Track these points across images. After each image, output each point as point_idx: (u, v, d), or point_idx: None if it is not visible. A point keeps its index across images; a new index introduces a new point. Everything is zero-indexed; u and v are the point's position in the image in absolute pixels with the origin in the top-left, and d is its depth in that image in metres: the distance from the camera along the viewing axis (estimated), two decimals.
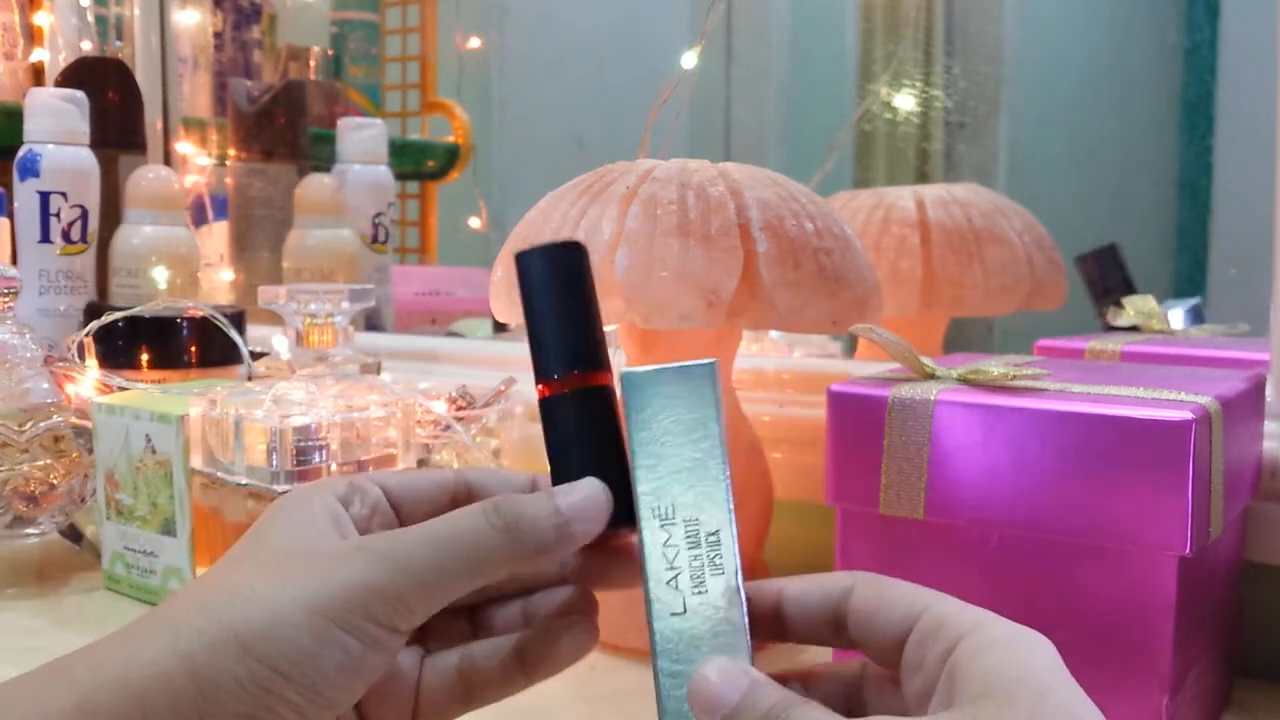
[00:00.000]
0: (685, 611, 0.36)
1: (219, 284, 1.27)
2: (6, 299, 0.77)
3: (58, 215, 1.01)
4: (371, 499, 0.40)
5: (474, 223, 1.53)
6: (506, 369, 0.85)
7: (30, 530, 0.75)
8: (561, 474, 0.38)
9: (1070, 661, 0.32)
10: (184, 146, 1.28)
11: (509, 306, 0.63)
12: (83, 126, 1.03)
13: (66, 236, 1.02)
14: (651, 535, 0.36)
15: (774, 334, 0.98)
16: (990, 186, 0.89)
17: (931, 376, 0.54)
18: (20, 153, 1.02)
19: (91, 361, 0.83)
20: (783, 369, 0.79)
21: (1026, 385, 0.51)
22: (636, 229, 0.57)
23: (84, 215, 1.03)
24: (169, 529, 0.70)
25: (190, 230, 1.14)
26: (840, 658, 0.38)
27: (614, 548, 0.40)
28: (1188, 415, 0.46)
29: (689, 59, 0.73)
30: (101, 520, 0.74)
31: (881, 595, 0.36)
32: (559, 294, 0.38)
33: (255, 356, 0.89)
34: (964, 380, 0.53)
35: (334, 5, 1.58)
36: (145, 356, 0.90)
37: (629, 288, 0.56)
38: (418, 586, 0.35)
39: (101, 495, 0.74)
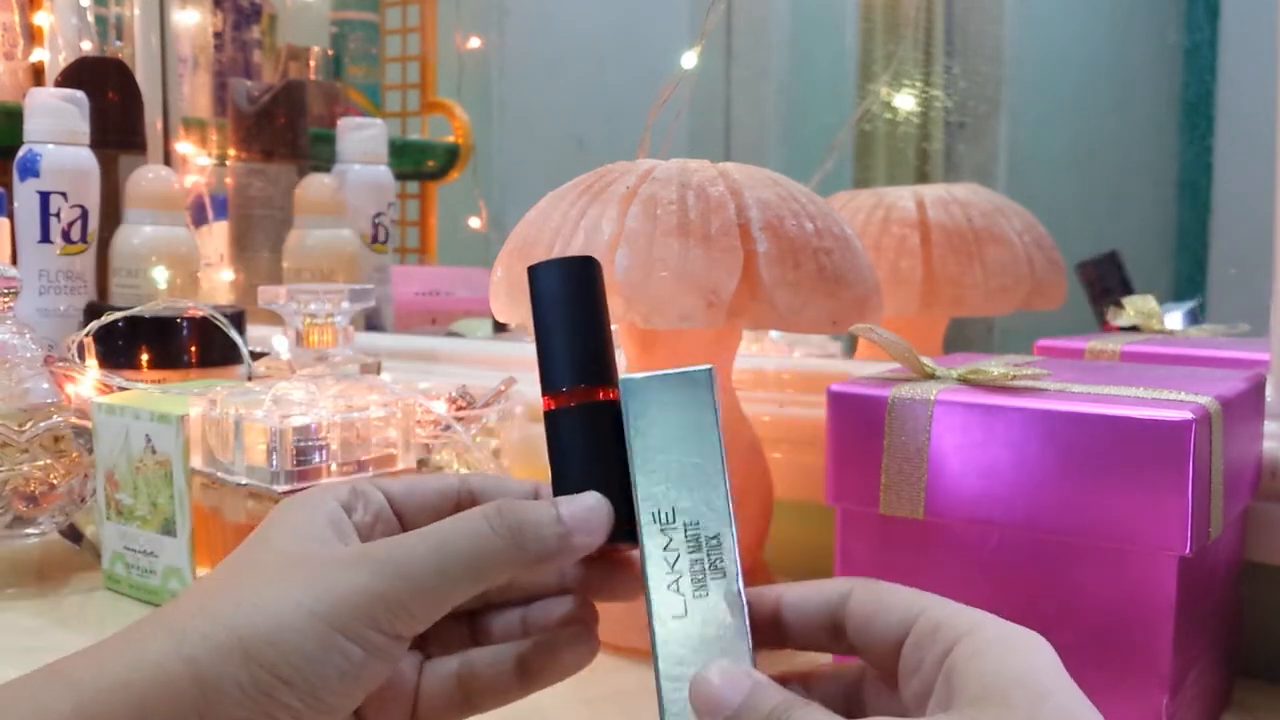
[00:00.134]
0: (686, 614, 0.36)
1: (219, 284, 1.27)
2: (6, 299, 0.77)
3: (58, 215, 1.01)
4: (375, 505, 0.40)
5: (474, 223, 1.53)
6: (506, 369, 0.85)
7: (30, 530, 0.75)
8: (564, 486, 0.38)
9: (1070, 662, 0.32)
10: (184, 146, 1.28)
11: (509, 306, 0.63)
12: (83, 126, 1.03)
13: (66, 236, 1.02)
14: (652, 540, 0.36)
15: (774, 334, 0.98)
16: (990, 186, 0.89)
17: (931, 376, 0.54)
18: (20, 153, 1.02)
19: (91, 361, 0.83)
20: (783, 369, 0.79)
21: (1026, 385, 0.51)
22: (636, 229, 0.57)
23: (84, 215, 1.03)
24: (169, 529, 0.70)
25: (190, 230, 1.14)
26: (840, 661, 0.38)
27: (615, 560, 0.40)
28: (1188, 415, 0.46)
29: (689, 59, 0.73)
30: (101, 520, 0.74)
31: (879, 599, 0.36)
32: (570, 308, 0.38)
33: (255, 356, 0.89)
34: (964, 380, 0.53)
35: (334, 5, 1.58)
36: (145, 356, 0.90)
37: (629, 288, 0.56)
38: (421, 592, 0.35)
39: (101, 495, 0.74)
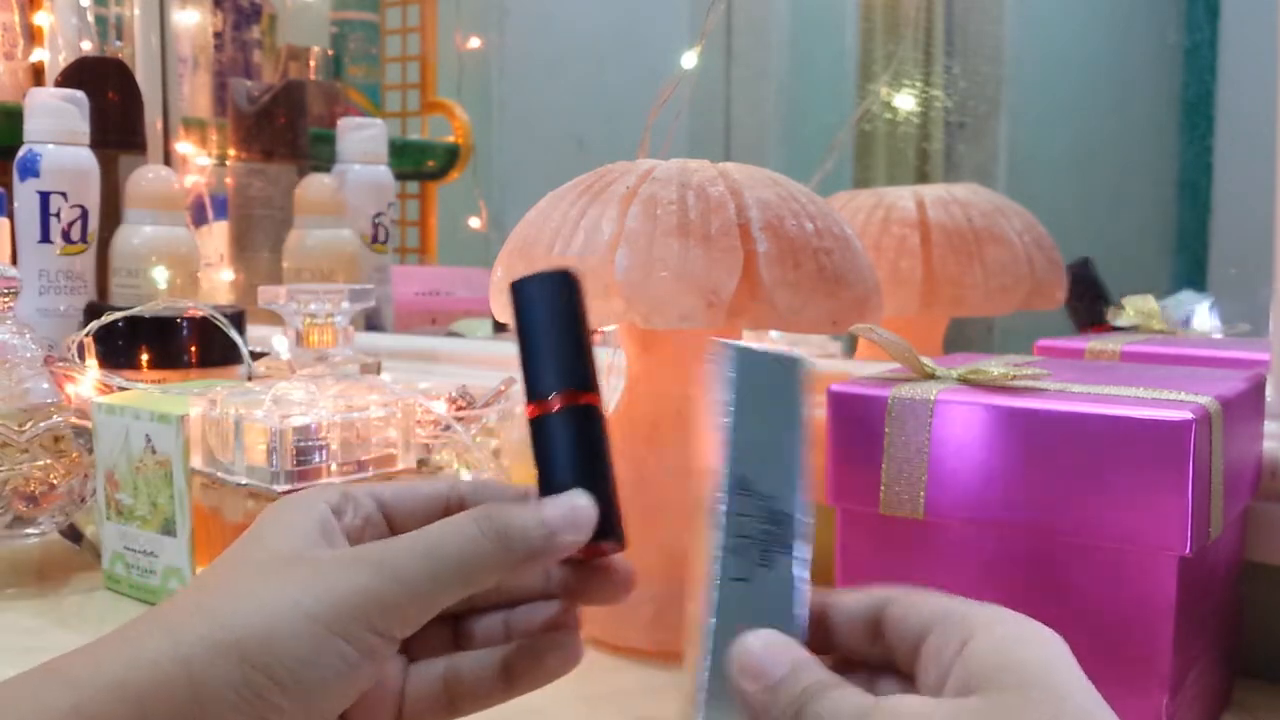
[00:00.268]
0: (750, 580, 0.37)
1: (219, 284, 1.27)
2: (6, 299, 0.77)
3: (58, 215, 1.01)
4: (364, 510, 0.40)
5: (474, 223, 1.53)
6: (506, 369, 0.85)
7: (30, 530, 0.75)
8: (549, 490, 0.39)
9: None
10: (184, 146, 1.28)
11: (509, 307, 0.63)
12: (83, 126, 1.03)
13: (66, 236, 1.02)
14: (730, 500, 0.37)
15: (774, 334, 0.98)
16: (990, 186, 0.89)
17: (931, 376, 0.54)
18: (20, 153, 1.02)
19: (91, 361, 0.83)
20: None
21: (1026, 385, 0.51)
22: (636, 229, 0.57)
23: (84, 215, 1.03)
24: (169, 529, 0.70)
25: (190, 230, 1.14)
26: None
27: (598, 565, 0.41)
28: (1188, 415, 0.46)
29: (689, 59, 0.73)
30: (101, 520, 0.74)
31: (914, 601, 0.37)
32: (551, 319, 0.40)
33: (255, 356, 0.89)
34: (964, 380, 0.53)
35: (334, 5, 1.58)
36: (145, 356, 0.90)
37: (629, 288, 0.56)
38: (413, 594, 0.36)
39: (101, 495, 0.74)
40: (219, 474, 0.71)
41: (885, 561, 0.53)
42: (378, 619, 0.35)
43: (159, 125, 1.26)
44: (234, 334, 0.86)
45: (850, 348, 0.98)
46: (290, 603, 0.34)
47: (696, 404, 0.63)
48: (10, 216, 1.02)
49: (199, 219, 1.25)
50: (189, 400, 0.71)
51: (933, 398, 0.51)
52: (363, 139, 1.27)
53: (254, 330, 0.94)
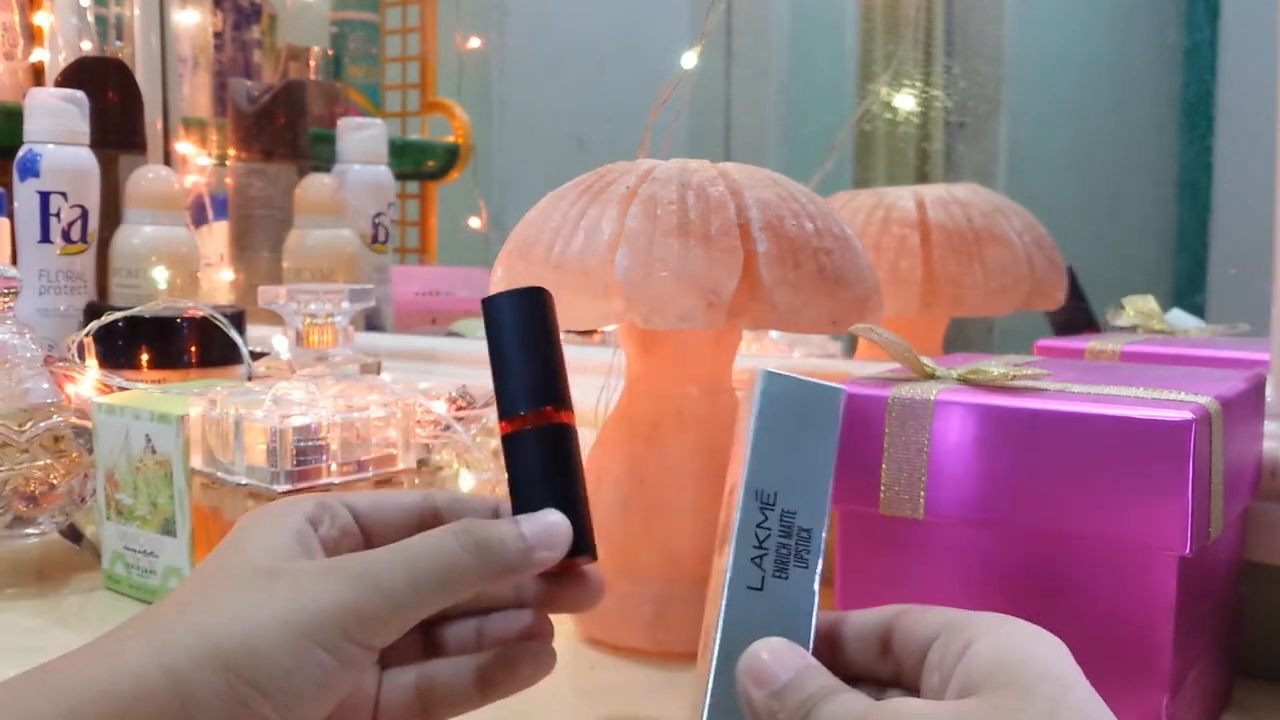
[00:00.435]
0: (762, 589, 0.38)
1: (219, 284, 1.27)
2: (6, 299, 0.77)
3: (58, 215, 1.01)
4: (341, 521, 0.41)
5: (474, 223, 1.53)
6: None
7: (30, 530, 0.75)
8: (523, 505, 0.40)
9: None
10: (184, 146, 1.28)
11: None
12: (83, 126, 1.03)
13: (66, 236, 1.02)
14: (749, 512, 0.38)
15: (774, 334, 0.98)
16: (990, 186, 0.89)
17: (931, 376, 0.54)
18: (20, 153, 1.02)
19: (91, 361, 0.83)
20: (787, 369, 0.79)
21: (1026, 385, 0.51)
22: (636, 229, 0.57)
23: (84, 215, 1.03)
24: (169, 529, 0.70)
25: (190, 230, 1.14)
26: None
27: (570, 575, 0.41)
28: (1188, 415, 0.46)
29: (689, 59, 0.73)
30: (101, 520, 0.74)
31: (921, 614, 0.37)
32: (523, 337, 0.41)
33: (255, 356, 0.89)
34: (964, 380, 0.53)
35: (334, 5, 1.58)
36: (145, 356, 0.90)
37: (629, 288, 0.56)
38: (394, 605, 0.36)
39: (101, 495, 0.74)
40: (219, 474, 0.71)
41: (885, 561, 0.53)
42: (357, 630, 0.36)
43: (159, 125, 1.26)
44: (234, 334, 0.86)
45: (850, 348, 0.99)
46: (272, 614, 0.35)
47: (697, 404, 0.63)
48: (10, 216, 1.02)
49: (199, 219, 1.25)
50: (189, 400, 0.71)
51: (933, 398, 0.51)
52: (363, 139, 1.27)
53: (254, 330, 0.94)
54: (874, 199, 0.86)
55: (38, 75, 1.22)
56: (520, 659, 0.41)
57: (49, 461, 0.74)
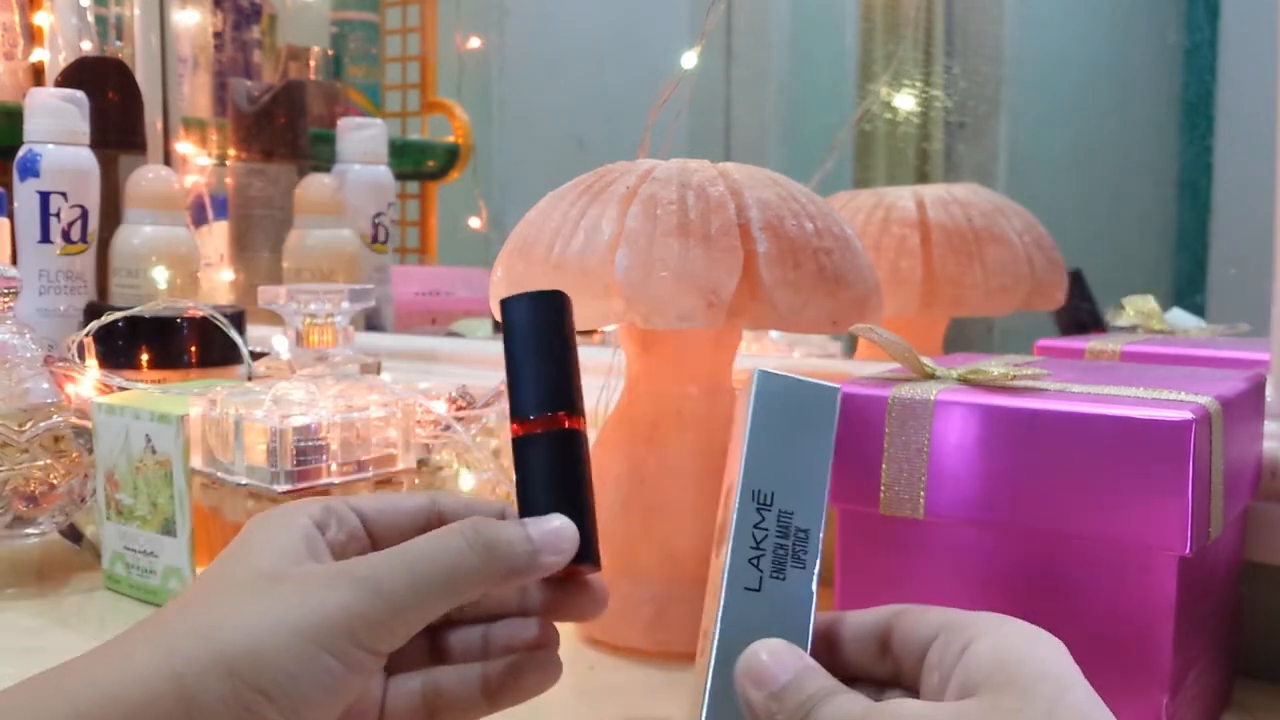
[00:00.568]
0: (760, 590, 0.38)
1: (219, 284, 1.27)
2: (6, 299, 0.77)
3: (58, 215, 1.01)
4: (348, 524, 0.41)
5: (474, 223, 1.52)
6: None
7: (30, 530, 0.75)
8: (530, 508, 0.40)
9: None
10: (184, 146, 1.28)
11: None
12: (83, 126, 1.03)
13: (66, 236, 1.02)
14: (746, 513, 0.38)
15: (774, 334, 0.98)
16: (990, 186, 0.89)
17: (931, 376, 0.54)
18: (20, 153, 1.02)
19: (91, 361, 0.83)
20: (783, 369, 0.79)
21: (1026, 385, 0.51)
22: (636, 229, 0.57)
23: (84, 215, 1.03)
24: (169, 529, 0.70)
25: (190, 230, 1.14)
26: None
27: (574, 583, 0.41)
28: (1188, 415, 0.46)
29: (689, 59, 0.73)
30: (101, 520, 0.74)
31: (920, 614, 0.37)
32: (539, 340, 0.41)
33: (255, 356, 0.89)
34: (964, 380, 0.53)
35: (334, 5, 1.58)
36: (145, 356, 0.90)
37: (629, 288, 0.56)
38: (400, 609, 0.36)
39: (101, 495, 0.74)
40: (219, 474, 0.71)
41: (885, 561, 0.53)
42: (363, 634, 0.35)
43: (159, 125, 1.26)
44: (234, 334, 0.86)
45: (850, 348, 0.98)
46: (277, 619, 0.35)
47: (697, 404, 0.63)
48: (10, 216, 1.02)
49: (199, 219, 1.25)
50: (189, 400, 0.71)
51: (933, 398, 0.51)
52: (363, 139, 1.27)
53: (254, 330, 0.94)
54: (874, 199, 0.86)
55: (38, 75, 1.22)
56: (526, 667, 0.41)
57: (49, 461, 0.74)
